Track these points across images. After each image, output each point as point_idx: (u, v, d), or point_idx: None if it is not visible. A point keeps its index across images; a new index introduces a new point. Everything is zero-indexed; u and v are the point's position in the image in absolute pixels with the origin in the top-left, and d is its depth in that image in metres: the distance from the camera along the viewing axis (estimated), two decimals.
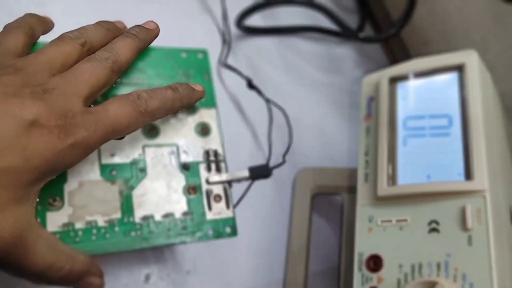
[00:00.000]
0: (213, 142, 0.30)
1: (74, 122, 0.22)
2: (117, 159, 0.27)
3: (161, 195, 0.27)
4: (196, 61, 0.31)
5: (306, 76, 0.48)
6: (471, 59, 0.33)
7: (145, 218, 0.27)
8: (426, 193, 0.31)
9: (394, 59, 0.53)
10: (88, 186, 0.26)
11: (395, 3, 0.50)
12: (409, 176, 0.32)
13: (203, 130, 0.30)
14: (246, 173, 0.31)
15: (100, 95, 0.26)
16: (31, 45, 0.26)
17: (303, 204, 0.42)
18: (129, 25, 0.29)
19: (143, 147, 0.28)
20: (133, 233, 0.26)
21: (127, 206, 0.26)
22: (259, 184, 0.42)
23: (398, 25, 0.46)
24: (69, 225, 0.25)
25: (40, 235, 0.22)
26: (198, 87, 0.29)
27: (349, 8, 0.55)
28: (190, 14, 0.45)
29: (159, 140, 0.29)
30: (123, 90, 0.28)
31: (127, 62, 0.27)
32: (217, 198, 0.29)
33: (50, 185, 0.24)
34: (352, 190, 0.39)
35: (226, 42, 0.42)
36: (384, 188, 0.32)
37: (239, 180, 0.31)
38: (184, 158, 0.29)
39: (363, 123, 0.36)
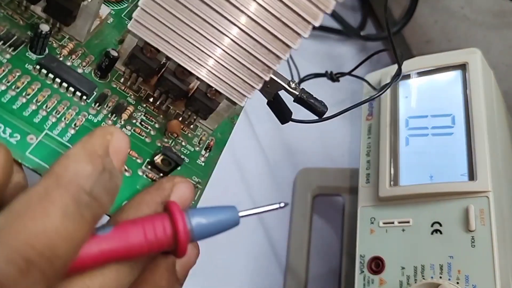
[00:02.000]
0: None
1: None
2: None
3: None
4: None
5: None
6: (474, 57, 0.33)
7: None
8: (428, 194, 0.30)
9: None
10: None
11: (397, 1, 0.49)
12: (412, 176, 0.32)
13: None
14: None
15: None
16: None
17: (304, 205, 0.42)
18: None
19: None
20: None
21: None
22: (259, 184, 0.41)
23: (400, 23, 0.45)
24: None
25: None
26: None
27: (351, 6, 0.54)
28: None
29: None
30: None
31: None
32: None
33: None
34: (353, 191, 0.39)
35: None
36: (386, 189, 0.32)
37: None
38: None
39: (365, 122, 0.36)
